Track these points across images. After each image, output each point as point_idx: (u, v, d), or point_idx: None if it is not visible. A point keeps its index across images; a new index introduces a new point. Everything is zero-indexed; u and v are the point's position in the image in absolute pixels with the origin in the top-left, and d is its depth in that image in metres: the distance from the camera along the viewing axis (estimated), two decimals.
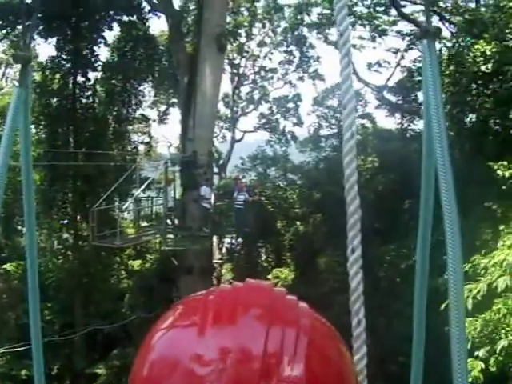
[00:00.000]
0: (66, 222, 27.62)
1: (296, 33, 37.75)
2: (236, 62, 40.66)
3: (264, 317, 1.02)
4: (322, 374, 1.01)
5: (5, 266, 25.13)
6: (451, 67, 19.27)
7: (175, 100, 33.12)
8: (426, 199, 1.49)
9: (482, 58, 17.50)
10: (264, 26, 39.71)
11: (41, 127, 26.77)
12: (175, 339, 1.05)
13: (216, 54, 22.05)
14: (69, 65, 27.04)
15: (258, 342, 0.98)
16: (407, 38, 31.17)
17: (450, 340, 1.19)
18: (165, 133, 42.20)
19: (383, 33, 32.47)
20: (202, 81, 21.86)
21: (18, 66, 1.71)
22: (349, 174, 1.22)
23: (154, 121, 38.00)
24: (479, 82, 18.67)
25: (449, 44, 21.69)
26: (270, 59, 40.93)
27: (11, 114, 1.60)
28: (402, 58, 33.08)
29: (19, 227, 28.89)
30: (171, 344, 1.04)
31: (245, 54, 40.55)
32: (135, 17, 28.81)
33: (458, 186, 1.31)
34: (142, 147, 34.94)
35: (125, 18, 28.84)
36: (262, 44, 40.45)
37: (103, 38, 28.19)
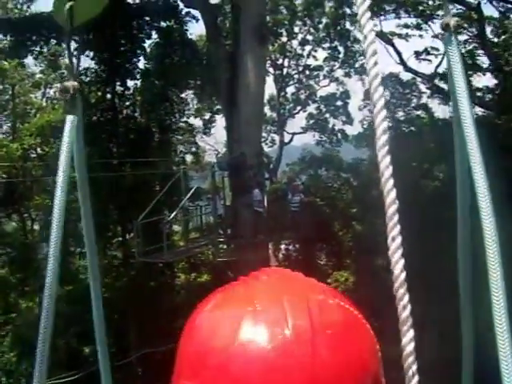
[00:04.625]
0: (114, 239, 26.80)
1: (339, 27, 36.39)
2: (279, 62, 39.71)
3: (299, 295, 1.10)
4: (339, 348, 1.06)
5: None
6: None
7: (219, 107, 32.16)
8: (461, 186, 1.51)
9: None
10: (305, 24, 38.60)
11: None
12: (219, 322, 1.07)
13: (257, 46, 20.51)
14: (106, 75, 26.08)
15: (304, 315, 1.06)
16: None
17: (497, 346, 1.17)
18: (211, 142, 41.53)
19: (429, 18, 30.89)
20: (245, 76, 20.35)
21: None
22: (383, 167, 1.22)
23: (199, 131, 37.26)
24: None
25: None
26: (314, 57, 39.83)
27: (66, 141, 1.59)
28: None
29: (71, 248, 28.19)
30: (216, 328, 1.06)
31: (287, 54, 39.56)
32: (172, 21, 27.92)
33: None
34: (188, 157, 34.10)
35: (162, 24, 27.95)
36: (304, 42, 39.34)
37: (142, 46, 27.28)
